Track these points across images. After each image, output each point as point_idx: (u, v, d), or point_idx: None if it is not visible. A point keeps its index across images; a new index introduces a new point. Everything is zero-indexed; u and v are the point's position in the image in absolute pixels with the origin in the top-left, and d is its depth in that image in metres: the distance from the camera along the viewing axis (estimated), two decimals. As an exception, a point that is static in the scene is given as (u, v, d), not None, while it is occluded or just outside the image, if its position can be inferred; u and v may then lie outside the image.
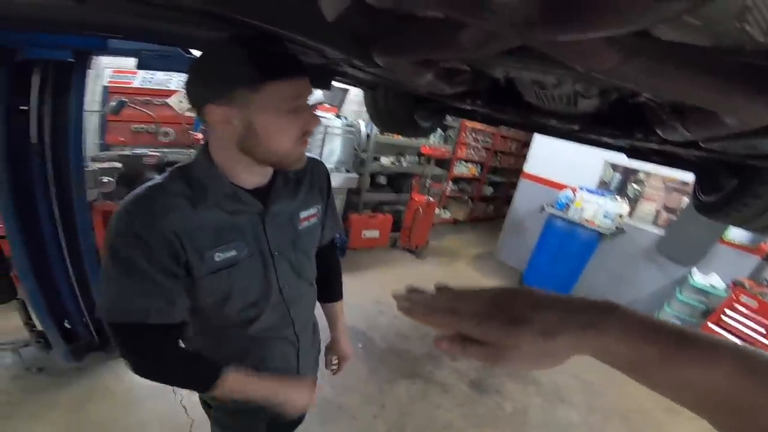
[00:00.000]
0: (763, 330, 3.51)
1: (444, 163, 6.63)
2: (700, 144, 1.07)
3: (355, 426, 2.58)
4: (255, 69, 0.76)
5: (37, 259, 2.15)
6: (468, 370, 3.33)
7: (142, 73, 3.57)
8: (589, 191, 4.67)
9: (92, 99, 3.35)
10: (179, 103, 3.51)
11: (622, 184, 4.89)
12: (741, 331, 3.60)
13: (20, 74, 1.83)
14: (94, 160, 3.09)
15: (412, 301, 0.51)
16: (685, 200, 4.40)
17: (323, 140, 4.46)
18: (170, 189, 0.85)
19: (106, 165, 3.08)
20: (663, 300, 4.28)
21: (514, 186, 5.98)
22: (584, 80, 0.90)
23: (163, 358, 0.93)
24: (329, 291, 1.39)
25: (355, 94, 4.91)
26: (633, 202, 4.78)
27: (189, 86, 0.83)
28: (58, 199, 2.13)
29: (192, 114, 3.56)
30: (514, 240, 5.81)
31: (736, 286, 3.84)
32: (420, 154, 5.90)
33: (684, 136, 0.98)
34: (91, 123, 3.37)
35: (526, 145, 6.75)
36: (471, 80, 1.06)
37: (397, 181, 5.88)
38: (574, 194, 4.70)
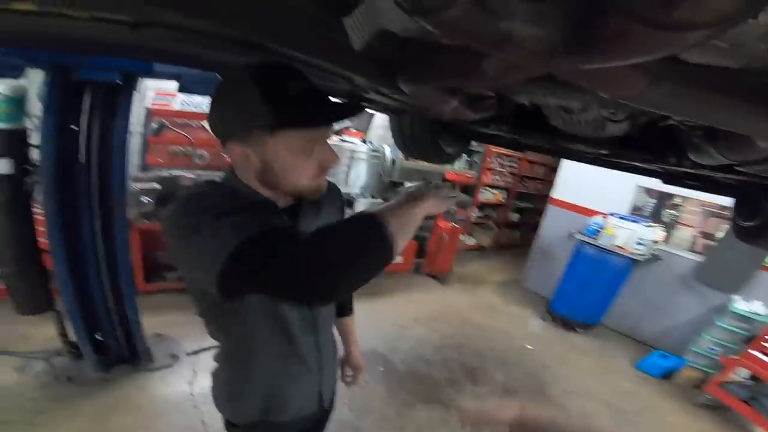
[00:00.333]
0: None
1: (469, 188, 6.59)
2: (737, 168, 1.03)
3: (373, 450, 2.50)
4: (270, 113, 0.74)
5: (77, 273, 2.27)
6: (490, 396, 3.20)
7: (181, 95, 3.71)
8: (621, 217, 4.51)
9: (135, 120, 3.49)
10: (207, 122, 3.68)
11: (657, 210, 4.70)
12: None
13: (73, 95, 1.99)
14: (135, 180, 3.26)
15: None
16: (724, 226, 4.18)
17: (349, 165, 4.54)
18: (216, 193, 0.87)
19: (146, 186, 3.25)
20: (700, 327, 4.07)
21: (541, 212, 5.85)
22: (611, 105, 0.90)
23: (314, 236, 0.73)
24: (342, 307, 1.40)
25: (381, 118, 5.01)
26: (668, 227, 4.58)
27: (210, 121, 0.84)
28: (100, 218, 2.26)
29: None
30: (541, 267, 5.64)
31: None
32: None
33: (718, 160, 0.95)
34: (133, 144, 3.52)
35: (554, 170, 6.63)
36: (496, 106, 1.07)
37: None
38: (605, 220, 4.55)
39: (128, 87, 2.08)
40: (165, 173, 3.55)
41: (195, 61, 1.30)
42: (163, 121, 3.30)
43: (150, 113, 3.64)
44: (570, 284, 4.67)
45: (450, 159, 2.47)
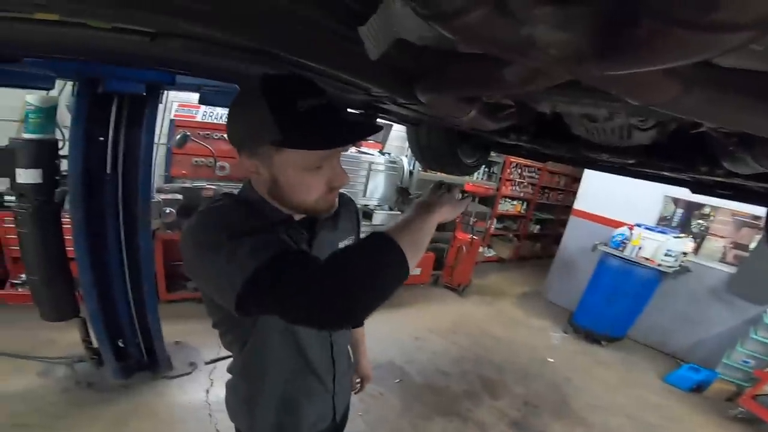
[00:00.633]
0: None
1: (488, 200, 6.51)
2: (775, 176, 0.97)
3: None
4: (278, 130, 0.74)
5: (101, 281, 2.33)
6: (509, 409, 3.10)
7: (203, 107, 3.79)
8: (648, 228, 4.39)
9: (160, 132, 3.57)
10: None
11: (685, 220, 4.56)
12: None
13: (101, 107, 2.05)
14: (159, 191, 3.34)
15: None
16: (757, 236, 4.03)
17: (367, 177, 4.56)
18: (236, 209, 0.87)
19: (169, 196, 3.33)
20: (732, 340, 3.93)
21: (563, 223, 5.73)
22: (641, 112, 0.86)
23: (330, 262, 0.72)
24: None
25: (399, 129, 5.02)
26: (698, 238, 4.44)
27: (227, 131, 0.85)
28: (125, 227, 2.32)
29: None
30: (563, 279, 5.51)
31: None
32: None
33: (754, 168, 0.90)
34: (157, 155, 3.64)
35: (576, 180, 6.50)
36: (516, 115, 1.04)
37: (440, 217, 5.78)
38: (631, 232, 4.43)
39: (153, 98, 2.15)
40: (188, 184, 3.63)
41: (214, 72, 1.32)
42: (187, 132, 3.39)
43: (174, 125, 3.75)
44: (594, 296, 4.56)
45: (469, 170, 2.44)
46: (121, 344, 2.54)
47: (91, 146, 2.09)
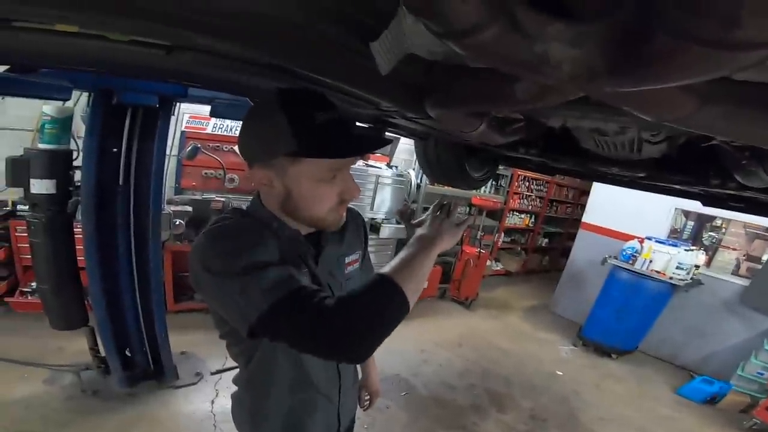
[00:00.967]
0: None
1: (496, 213, 6.47)
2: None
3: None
4: (295, 141, 0.76)
5: (110, 291, 2.34)
6: (516, 423, 3.03)
7: (214, 119, 3.83)
8: (659, 241, 4.34)
9: (171, 144, 3.66)
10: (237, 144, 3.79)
11: (697, 233, 4.51)
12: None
13: (115, 118, 2.08)
14: (169, 203, 3.38)
15: None
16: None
17: (374, 190, 4.57)
18: (244, 228, 0.87)
19: (179, 208, 3.36)
20: (746, 352, 3.89)
21: (571, 237, 5.68)
22: (653, 127, 0.85)
23: (338, 306, 0.75)
24: None
25: (406, 142, 5.04)
26: (710, 251, 4.39)
27: (239, 143, 0.86)
28: (135, 238, 2.34)
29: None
30: (571, 292, 5.44)
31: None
32: (471, 205, 5.84)
33: (767, 181, 0.88)
34: (168, 167, 3.69)
35: (585, 193, 6.45)
36: (524, 129, 1.04)
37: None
38: (641, 245, 4.39)
39: (165, 110, 2.18)
40: (198, 196, 3.66)
41: (227, 86, 1.34)
42: (197, 145, 3.43)
43: (185, 136, 3.80)
44: (604, 310, 4.50)
45: (477, 184, 2.43)
46: (128, 353, 2.54)
47: (105, 157, 2.12)
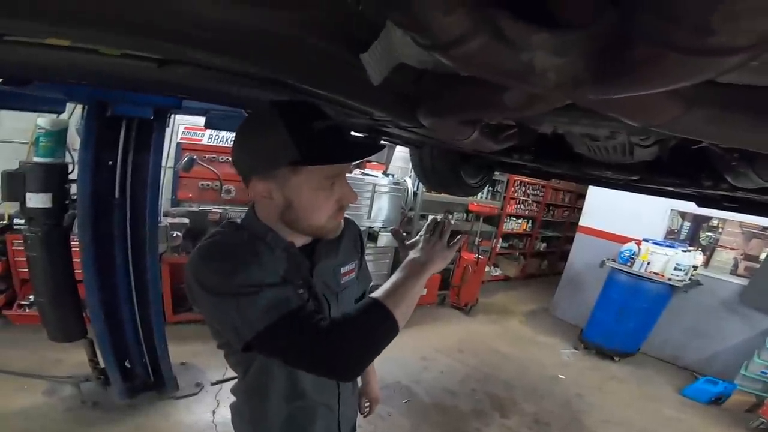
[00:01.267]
0: None
1: (493, 219, 6.48)
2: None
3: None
4: (296, 151, 0.77)
5: (108, 303, 2.33)
6: (519, 427, 3.01)
7: (209, 130, 3.79)
8: (656, 243, 4.36)
9: (167, 155, 3.57)
10: (231, 158, 3.78)
11: (693, 233, 4.54)
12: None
13: (109, 131, 2.07)
14: (166, 215, 3.37)
15: None
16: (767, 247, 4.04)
17: (372, 199, 4.58)
18: (239, 243, 0.87)
19: (176, 220, 3.35)
20: (749, 351, 3.89)
21: (569, 240, 5.69)
22: (641, 131, 0.86)
23: (331, 329, 0.80)
24: None
25: (402, 150, 5.06)
26: (707, 251, 4.42)
27: (235, 158, 0.86)
28: (132, 251, 2.33)
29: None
30: (571, 296, 5.45)
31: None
32: (468, 212, 5.85)
33: (757, 183, 0.89)
34: (164, 179, 3.64)
35: (581, 196, 6.47)
36: (517, 136, 1.05)
37: (446, 239, 5.77)
38: (639, 247, 4.40)
39: (160, 122, 2.19)
40: (194, 208, 3.65)
41: (220, 98, 1.35)
42: (193, 156, 3.43)
43: (181, 148, 3.79)
44: (604, 312, 4.51)
45: (473, 191, 2.44)
46: (127, 365, 2.53)
47: (100, 170, 2.12)
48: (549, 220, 7.79)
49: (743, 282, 4.18)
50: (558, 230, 8.03)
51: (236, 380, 1.06)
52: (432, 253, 0.99)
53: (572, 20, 0.34)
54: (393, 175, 5.02)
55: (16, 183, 2.06)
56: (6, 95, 1.52)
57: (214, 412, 2.59)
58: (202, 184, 3.95)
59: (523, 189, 6.93)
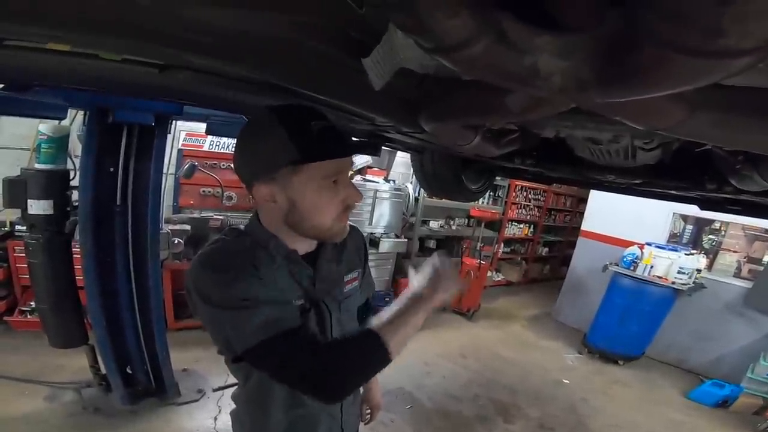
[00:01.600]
0: None
1: (494, 224, 6.45)
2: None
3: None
4: (295, 149, 0.78)
5: (110, 309, 2.32)
6: None
7: (210, 136, 3.80)
8: (659, 246, 4.34)
9: (168, 162, 3.55)
10: (233, 165, 3.77)
11: (696, 236, 4.51)
12: None
13: (111, 137, 2.07)
14: (168, 221, 3.36)
15: None
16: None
17: (372, 205, 4.57)
18: (240, 252, 0.87)
19: (177, 227, 3.35)
20: (754, 354, 3.86)
21: (571, 245, 5.67)
22: (645, 135, 0.86)
23: (322, 352, 0.82)
24: None
25: (403, 155, 5.06)
26: (711, 254, 4.39)
27: (237, 165, 0.86)
28: (134, 257, 2.32)
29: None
30: (574, 300, 5.40)
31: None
32: (469, 217, 5.84)
33: (762, 185, 0.89)
34: (166, 185, 3.66)
35: (583, 200, 6.46)
36: (519, 140, 1.05)
37: (447, 244, 5.77)
38: (642, 251, 4.37)
39: (161, 129, 2.18)
40: (196, 214, 3.65)
41: (221, 103, 1.35)
42: (194, 163, 3.43)
43: (182, 154, 3.79)
44: (607, 317, 4.48)
45: (474, 196, 2.43)
46: (129, 371, 2.51)
47: (102, 177, 2.11)
48: (551, 224, 7.76)
49: (747, 285, 4.16)
50: (560, 235, 8.00)
51: (237, 387, 1.05)
52: (435, 285, 0.97)
53: (576, 22, 0.33)
54: (394, 181, 5.02)
55: (18, 190, 2.06)
56: (7, 101, 1.52)
57: (215, 419, 2.58)
58: (204, 191, 3.95)
59: (525, 194, 6.92)
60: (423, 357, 3.89)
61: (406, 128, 0.94)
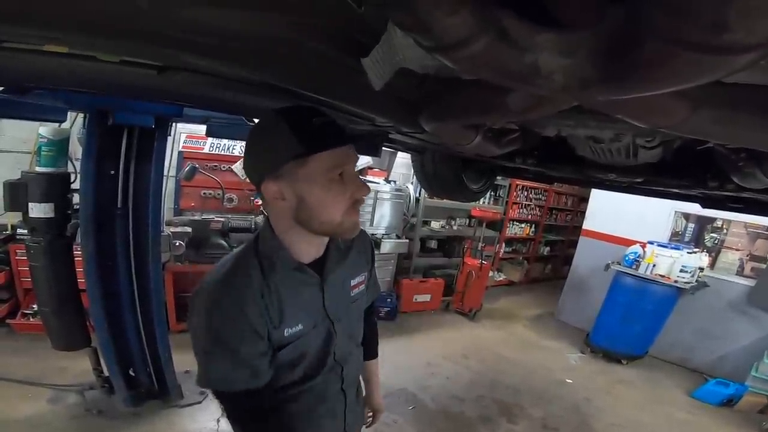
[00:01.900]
0: None
1: (496, 224, 6.43)
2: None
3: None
4: (298, 143, 0.79)
5: (112, 311, 2.32)
6: None
7: (210, 138, 3.84)
8: (661, 245, 4.32)
9: (169, 164, 3.64)
10: (242, 169, 3.78)
11: (698, 235, 4.50)
12: None
13: (111, 140, 2.06)
14: (169, 224, 3.36)
15: None
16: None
17: (374, 206, 4.57)
18: (245, 271, 0.88)
19: (178, 229, 3.35)
20: (759, 352, 3.85)
21: (572, 244, 5.65)
22: (648, 133, 0.85)
23: (250, 426, 0.94)
24: (367, 350, 1.36)
25: (404, 156, 5.05)
26: (713, 252, 4.39)
27: (246, 166, 0.88)
28: (135, 260, 2.32)
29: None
30: (576, 300, 5.39)
31: None
32: (470, 217, 5.84)
33: (764, 182, 0.88)
34: (166, 188, 3.67)
35: (584, 200, 6.44)
36: (520, 139, 1.04)
37: (448, 244, 5.77)
38: (644, 249, 4.36)
39: (161, 131, 2.17)
40: (197, 217, 3.65)
41: (221, 105, 1.35)
42: (195, 165, 3.44)
43: (182, 157, 3.80)
44: (610, 316, 4.47)
45: (475, 196, 2.42)
46: (131, 373, 2.51)
47: (102, 180, 2.11)
48: (552, 224, 7.75)
49: (750, 283, 4.15)
50: (561, 234, 7.99)
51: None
52: None
53: (577, 19, 0.33)
54: (395, 182, 5.02)
55: (19, 193, 2.06)
56: (7, 104, 1.52)
57: (218, 421, 2.57)
58: (204, 193, 3.96)
59: (526, 193, 6.91)
60: (426, 358, 3.89)
61: (406, 128, 0.94)
